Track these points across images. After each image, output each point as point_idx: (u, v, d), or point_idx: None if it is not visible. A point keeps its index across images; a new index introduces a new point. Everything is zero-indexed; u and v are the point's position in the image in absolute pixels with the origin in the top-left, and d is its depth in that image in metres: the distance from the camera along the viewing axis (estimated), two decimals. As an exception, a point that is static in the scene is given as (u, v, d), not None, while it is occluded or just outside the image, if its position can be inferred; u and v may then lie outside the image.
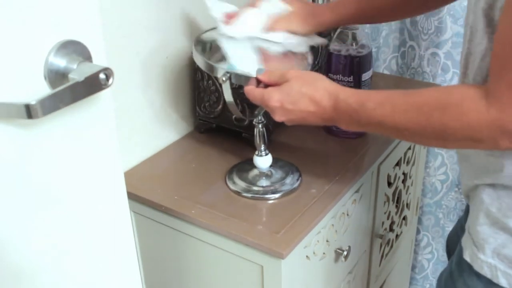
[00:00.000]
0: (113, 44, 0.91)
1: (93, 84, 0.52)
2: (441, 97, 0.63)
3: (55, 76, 0.52)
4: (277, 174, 0.94)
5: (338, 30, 1.03)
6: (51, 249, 0.58)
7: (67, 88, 0.50)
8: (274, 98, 0.75)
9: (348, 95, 0.72)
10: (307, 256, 0.87)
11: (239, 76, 0.79)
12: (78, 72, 0.52)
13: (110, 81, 0.53)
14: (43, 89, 0.51)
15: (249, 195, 0.90)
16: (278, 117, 0.77)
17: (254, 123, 0.90)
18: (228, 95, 0.82)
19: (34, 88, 0.50)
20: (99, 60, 0.55)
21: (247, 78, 0.79)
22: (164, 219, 0.92)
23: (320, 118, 0.74)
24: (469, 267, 0.73)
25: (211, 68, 0.82)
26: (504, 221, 0.68)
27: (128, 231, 0.67)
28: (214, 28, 0.92)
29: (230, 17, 0.89)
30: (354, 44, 1.02)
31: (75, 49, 0.53)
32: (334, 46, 1.03)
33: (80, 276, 0.62)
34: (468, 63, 0.69)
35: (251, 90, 0.78)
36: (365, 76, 1.03)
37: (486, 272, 0.70)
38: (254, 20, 0.88)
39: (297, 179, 0.93)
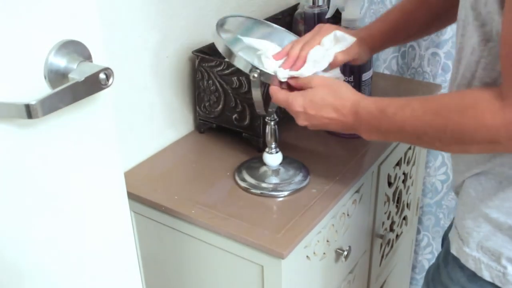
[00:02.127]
0: (113, 44, 0.91)
1: (93, 84, 0.52)
2: (457, 100, 0.64)
3: (55, 76, 0.52)
4: (287, 172, 0.94)
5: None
6: (51, 249, 0.58)
7: (67, 88, 0.50)
8: (298, 103, 0.77)
9: (369, 103, 0.73)
10: (307, 256, 0.87)
11: (267, 74, 0.80)
12: (78, 72, 0.52)
13: (110, 81, 0.53)
14: (43, 89, 0.51)
15: (258, 191, 0.90)
16: (301, 122, 0.79)
17: (266, 120, 0.90)
18: (256, 93, 0.83)
19: (34, 88, 0.50)
20: (99, 60, 0.55)
21: (274, 77, 0.80)
22: (164, 219, 0.92)
23: (341, 126, 0.76)
24: (454, 260, 0.74)
25: (244, 63, 0.81)
26: (486, 211, 0.69)
27: (128, 231, 0.67)
28: (236, 16, 0.91)
29: (288, 62, 0.84)
30: None
31: (75, 49, 0.53)
32: None
33: (80, 275, 0.62)
34: (460, 58, 0.70)
35: (276, 91, 0.80)
36: (365, 76, 1.03)
37: (470, 265, 0.71)
38: (324, 62, 0.83)
39: (306, 177, 0.93)
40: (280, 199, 0.90)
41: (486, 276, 0.70)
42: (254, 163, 0.97)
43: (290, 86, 0.81)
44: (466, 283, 0.72)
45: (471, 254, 0.71)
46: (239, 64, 0.81)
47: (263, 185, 0.91)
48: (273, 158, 0.92)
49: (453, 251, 0.74)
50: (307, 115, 0.77)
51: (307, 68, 0.81)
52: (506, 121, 0.58)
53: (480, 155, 0.69)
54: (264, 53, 0.83)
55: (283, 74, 0.80)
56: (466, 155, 0.72)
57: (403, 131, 0.69)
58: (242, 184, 0.92)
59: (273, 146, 0.92)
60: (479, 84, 0.66)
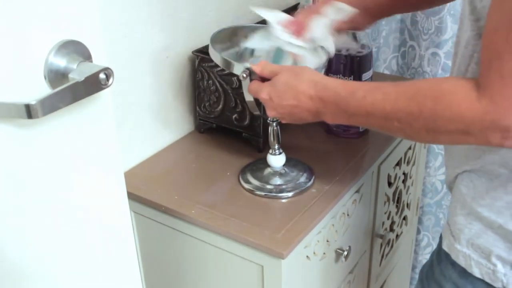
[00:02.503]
0: (113, 44, 0.92)
1: (93, 84, 0.52)
2: (434, 87, 0.62)
3: (55, 76, 0.52)
4: (291, 172, 0.94)
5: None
6: (51, 248, 0.58)
7: (67, 88, 0.50)
8: (264, 91, 0.76)
9: (337, 84, 0.72)
10: (307, 256, 0.87)
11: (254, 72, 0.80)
12: (78, 72, 0.52)
13: (110, 81, 0.53)
14: (43, 89, 0.51)
15: (262, 193, 0.90)
16: (269, 112, 0.77)
17: (268, 121, 0.90)
18: (247, 93, 0.83)
19: (34, 88, 0.50)
20: (99, 60, 0.55)
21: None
22: (164, 219, 0.92)
23: (306, 111, 0.74)
24: (446, 256, 0.75)
25: (229, 65, 0.82)
26: (478, 209, 0.69)
27: (129, 231, 0.67)
28: (231, 27, 0.92)
29: (293, 26, 0.86)
30: (356, 45, 1.02)
31: (75, 49, 0.53)
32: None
33: (80, 275, 0.62)
34: (457, 51, 0.70)
35: (250, 84, 0.79)
36: (366, 76, 1.03)
37: (461, 261, 0.72)
38: (323, 29, 0.85)
39: (310, 178, 0.93)
40: (284, 200, 0.90)
41: (476, 272, 0.70)
42: (258, 164, 0.97)
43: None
44: (458, 279, 0.73)
45: (461, 251, 0.72)
46: (237, 70, 0.82)
47: (268, 186, 0.91)
48: (276, 159, 0.92)
49: (445, 247, 0.75)
50: (273, 103, 0.76)
51: (306, 38, 0.83)
52: (481, 112, 0.57)
53: (471, 151, 0.69)
54: (272, 24, 0.85)
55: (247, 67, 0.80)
56: (457, 150, 0.72)
57: (372, 115, 0.67)
58: (247, 186, 0.92)
59: (276, 147, 0.91)
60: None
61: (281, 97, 0.74)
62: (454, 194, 0.75)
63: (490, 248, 0.69)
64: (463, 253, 0.71)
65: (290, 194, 0.90)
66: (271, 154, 0.92)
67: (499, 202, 0.67)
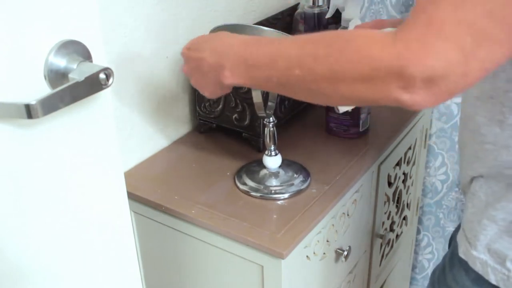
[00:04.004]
0: (113, 44, 0.91)
1: (93, 84, 0.52)
2: (349, 32, 0.57)
3: (55, 76, 0.52)
4: (286, 174, 0.94)
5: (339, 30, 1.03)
6: (51, 248, 0.58)
7: (67, 88, 0.50)
8: (185, 46, 0.77)
9: (244, 36, 0.68)
10: (307, 256, 0.87)
11: None
12: (78, 72, 0.52)
13: (110, 81, 0.53)
14: (43, 89, 0.51)
15: (258, 194, 0.90)
16: (184, 66, 0.78)
17: (265, 122, 0.90)
18: (256, 94, 0.83)
19: (34, 88, 0.50)
20: (99, 60, 0.55)
21: None
22: (164, 219, 0.92)
23: (207, 65, 0.70)
24: (460, 262, 0.73)
25: None
26: (493, 213, 0.68)
27: (128, 231, 0.67)
28: (232, 25, 0.91)
29: None
30: None
31: (75, 49, 0.53)
32: None
33: (80, 275, 0.62)
34: None
35: None
36: None
37: (478, 268, 0.70)
38: None
39: (306, 179, 0.93)
40: (279, 202, 0.90)
41: (492, 279, 0.69)
42: (253, 166, 0.97)
43: None
44: (471, 286, 0.72)
45: (478, 257, 0.70)
46: None
47: (263, 188, 0.91)
48: (272, 160, 0.92)
49: (461, 254, 0.73)
50: (186, 55, 0.75)
51: None
52: (393, 55, 0.51)
53: (482, 151, 0.68)
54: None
55: None
56: (469, 153, 0.71)
57: (273, 63, 0.60)
58: (242, 187, 0.92)
59: (272, 148, 0.91)
60: None
61: (193, 49, 0.73)
62: (470, 200, 0.73)
63: (505, 253, 0.67)
64: (480, 260, 0.70)
65: (285, 195, 0.90)
66: (267, 155, 0.92)
67: None
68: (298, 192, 0.91)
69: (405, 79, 0.50)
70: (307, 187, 0.92)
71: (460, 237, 0.75)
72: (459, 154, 0.79)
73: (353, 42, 0.54)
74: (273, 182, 0.92)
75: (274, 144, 0.91)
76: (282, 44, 0.61)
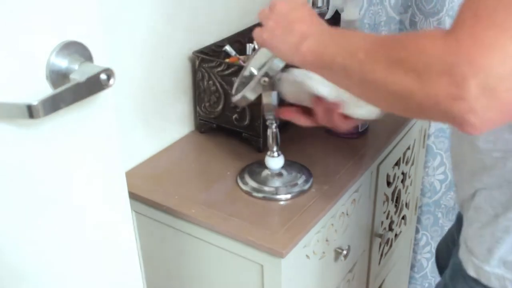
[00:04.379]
0: (114, 45, 0.92)
1: (94, 85, 0.52)
2: (420, 30, 0.58)
3: (57, 77, 0.52)
4: (289, 174, 0.94)
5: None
6: (52, 248, 0.58)
7: (68, 89, 0.50)
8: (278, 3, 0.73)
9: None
10: (307, 255, 0.88)
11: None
12: (80, 73, 0.52)
13: (111, 81, 0.53)
14: (45, 90, 0.51)
15: (260, 195, 0.91)
16: (262, 17, 0.75)
17: (267, 124, 0.90)
18: (266, 95, 0.83)
19: (35, 89, 0.51)
20: (100, 60, 0.56)
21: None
22: (165, 218, 0.92)
23: (297, 29, 0.68)
24: (465, 280, 0.71)
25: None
26: (507, 224, 0.66)
27: (130, 230, 0.67)
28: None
29: None
30: None
31: (77, 50, 0.53)
32: None
33: (81, 275, 0.62)
34: None
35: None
36: None
37: (494, 284, 0.68)
38: None
39: (309, 179, 0.94)
40: (282, 202, 0.90)
41: None
42: (256, 167, 0.97)
43: None
44: None
45: (493, 272, 0.68)
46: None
47: (266, 188, 0.92)
48: (275, 161, 0.92)
49: (471, 272, 0.70)
50: (278, 6, 0.72)
51: None
52: (443, 50, 0.47)
53: (489, 160, 0.66)
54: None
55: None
56: (472, 164, 0.69)
57: (346, 43, 0.61)
58: (245, 187, 0.93)
59: (274, 149, 0.91)
60: None
61: (288, 9, 0.71)
62: (474, 214, 0.71)
63: None
64: (495, 275, 0.68)
65: (288, 196, 0.90)
66: (269, 156, 0.92)
67: None
68: (301, 192, 0.91)
69: (456, 81, 0.45)
70: (310, 187, 0.92)
71: (463, 255, 0.72)
72: (453, 171, 0.77)
73: (412, 36, 0.52)
74: (276, 183, 0.93)
75: (277, 145, 0.91)
76: (353, 37, 0.62)
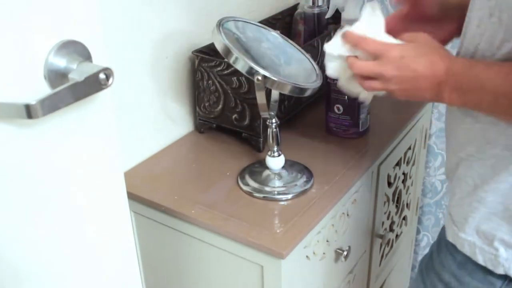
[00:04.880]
0: (113, 44, 0.92)
1: (93, 84, 0.52)
2: None
3: (55, 76, 0.52)
4: (290, 174, 0.94)
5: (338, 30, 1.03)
6: (50, 249, 0.58)
7: (67, 88, 0.50)
8: (396, 50, 0.71)
9: (460, 58, 0.70)
10: (307, 256, 0.87)
11: (277, 83, 0.79)
12: (78, 72, 0.52)
13: (110, 81, 0.53)
14: (43, 89, 0.51)
15: (261, 195, 0.90)
16: (391, 71, 0.71)
17: (267, 123, 0.89)
18: (261, 95, 0.83)
19: (34, 88, 0.50)
20: (99, 60, 0.55)
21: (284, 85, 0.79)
22: (164, 219, 0.92)
23: (430, 83, 0.70)
24: (446, 247, 0.76)
25: (242, 64, 0.80)
26: (482, 195, 0.70)
27: (128, 231, 0.67)
28: (237, 19, 0.89)
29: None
30: None
31: (75, 49, 0.53)
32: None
33: (80, 276, 0.62)
34: (465, 32, 0.69)
35: (366, 37, 0.74)
36: None
37: (466, 250, 0.72)
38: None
39: (310, 179, 0.93)
40: (283, 202, 0.89)
41: (480, 260, 0.71)
42: (256, 167, 0.97)
43: None
44: (456, 270, 0.74)
45: (466, 239, 0.72)
46: (237, 65, 0.81)
47: (267, 188, 0.91)
48: (275, 161, 0.92)
49: (449, 237, 0.75)
50: (401, 64, 0.70)
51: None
52: None
53: (473, 132, 0.69)
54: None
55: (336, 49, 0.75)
56: (460, 135, 0.72)
57: (483, 90, 0.65)
58: (245, 188, 0.92)
59: (275, 149, 0.91)
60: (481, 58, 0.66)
61: (415, 60, 0.70)
62: (456, 184, 0.75)
63: (493, 233, 0.69)
64: (468, 242, 0.72)
65: (289, 196, 0.90)
66: (269, 156, 0.92)
67: (503, 184, 0.67)
68: (302, 192, 0.91)
69: None
70: (310, 187, 0.92)
71: (446, 222, 0.77)
72: (446, 140, 0.79)
73: None
74: (276, 183, 0.92)
75: (277, 145, 0.91)
76: (489, 72, 0.65)
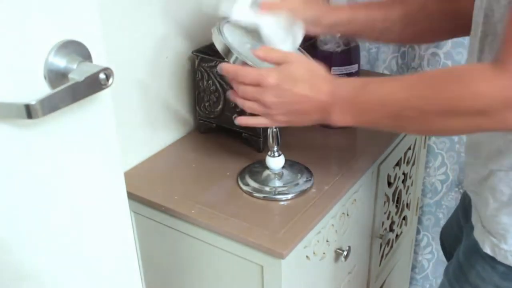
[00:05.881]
0: (113, 44, 0.91)
1: (93, 84, 0.52)
2: (451, 70, 0.61)
3: (55, 76, 0.52)
4: (289, 174, 0.94)
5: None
6: (51, 249, 0.58)
7: (67, 88, 0.50)
8: (272, 76, 0.71)
9: (348, 80, 0.70)
10: (307, 256, 0.87)
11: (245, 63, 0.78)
12: (78, 72, 0.52)
13: (110, 81, 0.53)
14: (43, 89, 0.51)
15: (261, 195, 0.90)
16: (269, 98, 0.71)
17: None
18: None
19: (34, 88, 0.50)
20: (99, 60, 0.55)
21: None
22: (164, 219, 0.92)
23: (314, 106, 0.70)
24: (483, 259, 0.73)
25: (228, 51, 0.80)
26: None
27: (128, 231, 0.67)
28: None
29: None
30: (340, 38, 1.04)
31: (75, 49, 0.53)
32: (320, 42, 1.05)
33: (80, 276, 0.62)
34: (484, 45, 0.66)
35: (242, 68, 0.74)
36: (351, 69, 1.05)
37: (510, 260, 0.70)
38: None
39: (310, 179, 0.93)
40: (283, 202, 0.89)
41: None
42: (256, 167, 0.97)
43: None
44: (500, 281, 0.72)
45: (510, 250, 0.70)
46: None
47: (266, 188, 0.91)
48: (275, 161, 0.92)
49: (487, 250, 0.72)
50: (280, 90, 0.70)
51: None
52: (501, 87, 0.53)
53: (505, 144, 0.66)
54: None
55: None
56: (488, 149, 0.70)
57: (383, 107, 0.63)
58: (245, 188, 0.92)
59: (275, 149, 0.91)
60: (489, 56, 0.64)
61: (293, 85, 0.69)
62: (490, 196, 0.72)
63: None
64: (511, 252, 0.70)
65: (289, 196, 0.90)
66: (270, 156, 0.92)
67: None
68: (302, 192, 0.91)
69: None
70: (311, 187, 0.92)
71: (480, 234, 0.74)
72: (466, 153, 0.78)
73: (458, 80, 0.57)
74: (276, 183, 0.92)
75: (277, 144, 0.91)
76: (389, 87, 0.63)
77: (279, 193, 0.90)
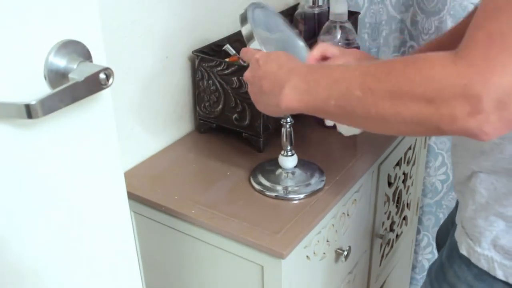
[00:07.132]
0: (113, 44, 0.92)
1: (93, 84, 0.52)
2: (417, 55, 0.55)
3: (55, 76, 0.52)
4: (302, 174, 0.94)
5: (326, 24, 1.04)
6: (51, 249, 0.58)
7: (67, 88, 0.50)
8: (258, 53, 0.74)
9: (323, 64, 0.70)
10: (307, 256, 0.87)
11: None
12: (78, 72, 0.52)
13: (110, 81, 0.53)
14: (43, 89, 0.51)
15: (273, 194, 0.91)
16: (247, 72, 0.74)
17: (282, 122, 0.90)
18: None
19: (34, 88, 0.50)
20: (99, 60, 0.55)
21: None
22: (164, 219, 0.92)
23: (272, 82, 0.68)
24: (460, 259, 0.74)
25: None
26: (500, 210, 0.68)
27: (128, 231, 0.67)
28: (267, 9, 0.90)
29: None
30: (341, 38, 1.03)
31: (75, 49, 0.53)
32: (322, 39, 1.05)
33: (80, 276, 0.62)
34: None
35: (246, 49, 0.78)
36: None
37: (483, 264, 0.70)
38: None
39: (322, 179, 0.94)
40: (295, 202, 0.89)
41: (500, 275, 0.69)
42: (269, 165, 0.97)
43: None
44: (474, 281, 0.72)
45: (483, 254, 0.70)
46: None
47: (278, 187, 0.92)
48: (288, 160, 0.92)
49: (463, 251, 0.73)
50: (256, 65, 0.72)
51: None
52: (455, 74, 0.49)
53: (488, 145, 0.66)
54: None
55: None
56: (472, 148, 0.70)
57: (334, 84, 0.60)
58: (257, 187, 0.92)
59: (288, 148, 0.92)
60: None
61: (266, 63, 0.71)
62: (470, 197, 0.72)
63: None
64: (484, 256, 0.70)
65: (301, 196, 0.90)
66: (283, 155, 0.92)
67: None
68: (314, 192, 0.91)
69: (471, 101, 0.48)
70: (323, 187, 0.92)
71: (459, 235, 0.75)
72: (452, 152, 0.78)
73: (412, 63, 0.54)
74: (289, 182, 0.93)
75: (291, 144, 0.91)
76: (344, 68, 0.61)
77: (291, 193, 0.90)
